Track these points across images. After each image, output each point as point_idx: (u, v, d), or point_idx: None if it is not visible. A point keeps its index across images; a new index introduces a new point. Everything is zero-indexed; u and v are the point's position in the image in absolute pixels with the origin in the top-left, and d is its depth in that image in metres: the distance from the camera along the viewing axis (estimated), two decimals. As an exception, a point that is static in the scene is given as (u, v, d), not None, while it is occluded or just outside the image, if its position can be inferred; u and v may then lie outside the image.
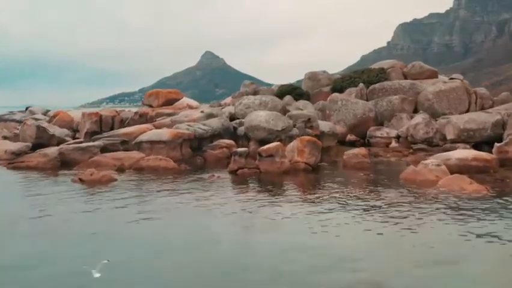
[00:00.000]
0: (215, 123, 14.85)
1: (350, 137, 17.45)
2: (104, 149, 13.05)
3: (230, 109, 18.37)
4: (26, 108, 33.42)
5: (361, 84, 20.07)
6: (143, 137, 13.01)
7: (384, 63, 23.30)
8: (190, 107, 27.83)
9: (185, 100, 28.98)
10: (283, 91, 20.93)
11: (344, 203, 8.20)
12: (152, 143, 12.85)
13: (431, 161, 10.26)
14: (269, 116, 14.14)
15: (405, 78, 22.62)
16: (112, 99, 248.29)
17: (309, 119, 14.95)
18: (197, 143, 14.22)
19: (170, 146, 12.94)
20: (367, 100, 19.77)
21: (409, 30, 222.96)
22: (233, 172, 10.98)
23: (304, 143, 11.50)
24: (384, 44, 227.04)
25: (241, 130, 15.03)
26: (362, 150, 12.41)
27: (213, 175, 10.48)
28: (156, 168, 11.65)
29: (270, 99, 17.25)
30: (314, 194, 9.04)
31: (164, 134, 13.03)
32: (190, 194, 8.98)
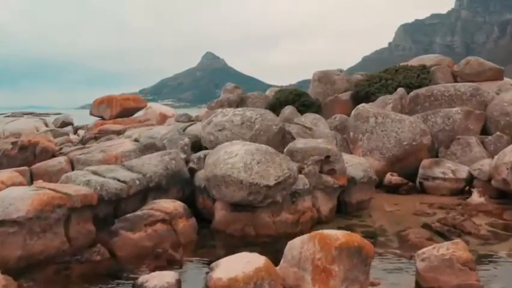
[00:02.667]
0: (152, 166, 7.62)
1: (392, 178, 10.21)
2: None
3: (198, 129, 11.17)
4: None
5: (401, 90, 12.81)
6: (-28, 211, 5.77)
7: (426, 59, 16.01)
8: (164, 117, 20.69)
9: (157, 108, 21.83)
10: (282, 99, 13.71)
11: None
12: (-10, 223, 5.63)
13: None
14: (251, 155, 6.90)
15: (455, 79, 15.44)
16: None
17: (327, 156, 7.71)
18: (113, 208, 7.03)
19: (34, 227, 5.74)
20: (409, 114, 12.57)
21: (410, 30, 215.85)
22: None
23: (330, 251, 4.26)
24: (386, 45, 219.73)
25: (201, 177, 7.83)
26: (459, 249, 5.13)
27: None
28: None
29: (258, 115, 9.98)
30: None
31: (22, 200, 5.79)
32: None
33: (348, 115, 13.75)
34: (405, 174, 10.40)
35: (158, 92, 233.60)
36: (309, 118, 12.54)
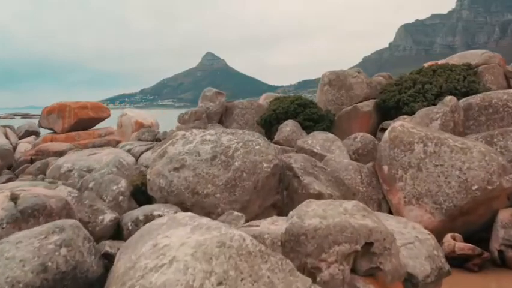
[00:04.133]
0: (13, 266, 3.69)
1: (455, 244, 6.23)
2: None
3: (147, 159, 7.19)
4: None
5: (452, 99, 8.84)
6: None
7: (469, 56, 12.02)
8: (141, 126, 16.73)
9: (133, 115, 17.84)
10: (280, 111, 9.74)
11: None
12: None
13: None
14: (206, 262, 3.00)
15: (509, 83, 11.57)
16: (112, 100, 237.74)
17: (368, 244, 3.80)
18: None
19: None
20: (462, 134, 8.67)
21: (411, 31, 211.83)
22: None
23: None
24: (386, 45, 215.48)
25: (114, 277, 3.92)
26: None
27: None
28: None
29: (241, 142, 6.06)
30: None
31: None
32: None
33: (372, 133, 9.87)
34: (469, 234, 6.49)
35: (159, 92, 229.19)
36: (318, 139, 8.61)
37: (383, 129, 9.61)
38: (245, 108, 10.76)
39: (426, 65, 13.22)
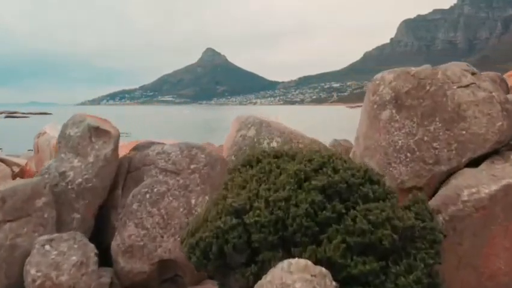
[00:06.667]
0: None
1: None
2: None
3: None
4: None
5: None
6: None
7: None
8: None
9: (54, 134, 10.44)
10: (261, 228, 2.74)
11: None
12: None
13: None
14: None
15: None
16: (112, 96, 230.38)
17: None
18: None
19: None
20: None
21: (413, 26, 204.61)
22: None
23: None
24: (387, 41, 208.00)
25: None
26: None
27: None
28: None
29: None
30: None
31: None
32: None
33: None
34: None
35: (159, 88, 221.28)
36: None
37: None
38: (173, 173, 3.85)
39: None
